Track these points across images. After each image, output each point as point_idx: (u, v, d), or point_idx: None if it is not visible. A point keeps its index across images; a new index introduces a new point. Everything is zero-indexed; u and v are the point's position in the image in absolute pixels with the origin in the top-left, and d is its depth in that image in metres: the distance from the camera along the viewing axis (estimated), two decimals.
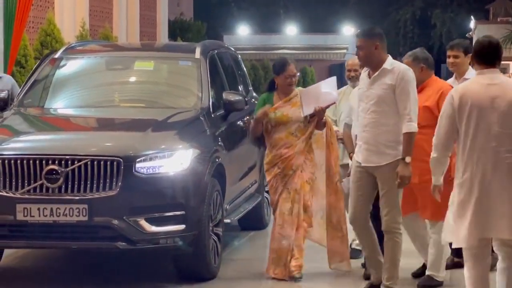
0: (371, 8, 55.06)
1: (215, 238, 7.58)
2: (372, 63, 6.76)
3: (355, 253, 8.02)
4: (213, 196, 7.47)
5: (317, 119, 7.49)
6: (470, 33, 44.58)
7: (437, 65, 49.04)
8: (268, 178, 7.58)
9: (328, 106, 7.51)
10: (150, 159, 7.08)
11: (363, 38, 6.76)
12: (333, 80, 7.51)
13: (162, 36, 26.62)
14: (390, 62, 6.74)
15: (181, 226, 7.05)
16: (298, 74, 7.62)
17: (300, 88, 7.64)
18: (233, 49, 10.50)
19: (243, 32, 52.86)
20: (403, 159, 6.59)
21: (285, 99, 7.53)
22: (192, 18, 40.68)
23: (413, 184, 6.86)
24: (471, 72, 7.66)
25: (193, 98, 8.35)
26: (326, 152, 7.62)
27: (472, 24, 45.33)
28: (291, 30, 53.89)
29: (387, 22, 53.83)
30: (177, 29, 34.20)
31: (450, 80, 7.94)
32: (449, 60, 7.84)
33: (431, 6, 52.00)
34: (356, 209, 6.86)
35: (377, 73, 6.72)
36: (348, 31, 51.90)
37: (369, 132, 6.74)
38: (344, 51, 49.76)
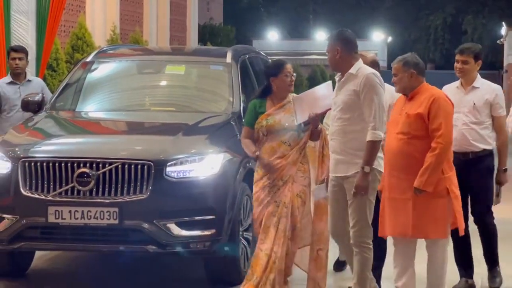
0: (401, 14, 54.95)
1: (245, 242, 7.58)
2: (338, 68, 6.54)
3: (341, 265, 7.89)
4: (243, 201, 7.46)
5: (311, 127, 6.87)
6: (502, 39, 44.34)
7: None
8: (254, 190, 6.88)
9: (324, 113, 6.96)
10: (181, 163, 7.09)
11: (328, 42, 6.58)
12: (328, 84, 7.03)
13: (192, 40, 26.69)
14: (357, 67, 6.44)
15: (211, 231, 7.06)
16: (295, 74, 7.25)
17: (293, 94, 7.09)
18: (263, 53, 10.50)
19: (272, 37, 52.90)
20: (362, 168, 6.27)
21: (279, 105, 6.92)
22: (221, 23, 40.76)
23: (403, 200, 6.37)
24: (480, 81, 7.31)
25: (224, 103, 8.37)
26: (317, 165, 6.97)
27: (503, 30, 45.08)
28: (321, 36, 53.82)
29: (418, 28, 53.71)
30: (206, 34, 34.30)
31: (452, 85, 7.42)
32: (457, 65, 7.30)
33: (462, 12, 51.78)
34: (333, 222, 6.65)
35: (343, 78, 6.50)
36: (378, 37, 51.77)
37: (336, 141, 6.49)
38: None
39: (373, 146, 6.30)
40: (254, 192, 6.90)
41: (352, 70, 6.44)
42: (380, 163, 6.41)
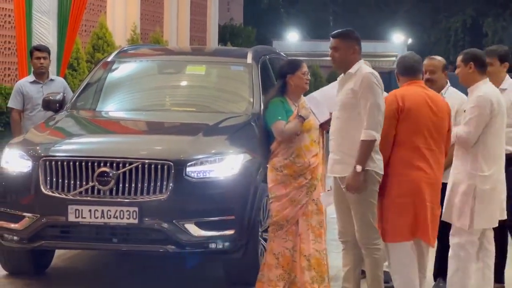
0: (421, 16, 54.73)
1: (264, 243, 7.56)
2: (345, 67, 6.45)
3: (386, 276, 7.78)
4: (262, 202, 7.46)
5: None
6: None
7: None
8: (286, 190, 6.94)
9: None
10: (201, 163, 7.09)
11: (342, 39, 6.44)
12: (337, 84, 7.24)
13: (212, 41, 26.70)
14: (356, 66, 6.38)
15: (231, 231, 7.06)
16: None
17: (302, 96, 7.17)
18: (284, 54, 10.49)
19: (292, 38, 52.78)
20: (355, 167, 6.23)
21: (301, 105, 7.03)
22: (242, 23, 40.74)
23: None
24: (509, 81, 7.27)
25: (244, 103, 8.37)
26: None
27: None
28: None
29: (437, 30, 53.47)
30: (227, 34, 34.29)
31: None
32: None
33: (482, 14, 51.50)
34: (342, 223, 6.57)
35: (344, 77, 6.47)
36: (398, 38, 51.59)
37: (334, 140, 6.44)
38: (394, 58, 49.39)
39: (365, 145, 6.21)
40: (284, 193, 6.93)
41: (352, 70, 6.41)
42: (378, 165, 6.32)
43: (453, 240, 6.62)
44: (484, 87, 6.61)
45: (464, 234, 6.56)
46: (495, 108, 6.50)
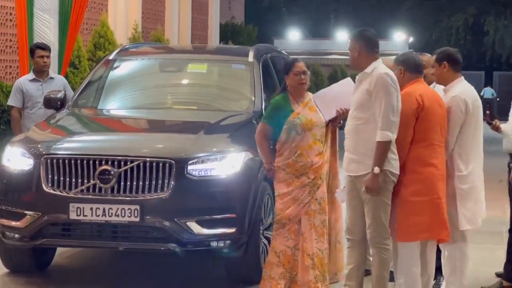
0: (422, 15, 54.70)
1: (265, 241, 7.57)
2: (358, 67, 6.51)
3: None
4: (264, 200, 7.46)
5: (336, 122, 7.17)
6: None
7: (490, 73, 48.09)
8: (288, 189, 6.95)
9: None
10: (202, 161, 7.10)
11: (351, 40, 6.55)
12: (348, 80, 7.17)
13: (214, 39, 26.69)
14: (372, 66, 6.40)
15: (232, 229, 7.06)
16: (308, 73, 7.28)
17: (309, 92, 7.21)
18: (285, 53, 10.49)
19: (293, 36, 52.80)
20: (373, 168, 6.22)
21: (303, 103, 7.09)
22: (243, 22, 40.72)
23: None
24: None
25: (245, 102, 8.38)
26: (331, 160, 7.20)
27: None
28: (342, 35, 53.69)
29: (439, 28, 53.44)
30: (228, 33, 34.26)
31: None
32: None
33: (484, 13, 51.45)
34: (351, 220, 6.58)
35: (359, 77, 6.51)
36: (399, 37, 51.60)
37: (350, 139, 6.46)
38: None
39: (381, 146, 6.24)
40: (287, 191, 6.96)
41: (368, 70, 6.43)
42: (393, 164, 6.32)
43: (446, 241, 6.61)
44: (459, 86, 6.61)
45: (455, 234, 6.55)
46: (469, 108, 6.50)
